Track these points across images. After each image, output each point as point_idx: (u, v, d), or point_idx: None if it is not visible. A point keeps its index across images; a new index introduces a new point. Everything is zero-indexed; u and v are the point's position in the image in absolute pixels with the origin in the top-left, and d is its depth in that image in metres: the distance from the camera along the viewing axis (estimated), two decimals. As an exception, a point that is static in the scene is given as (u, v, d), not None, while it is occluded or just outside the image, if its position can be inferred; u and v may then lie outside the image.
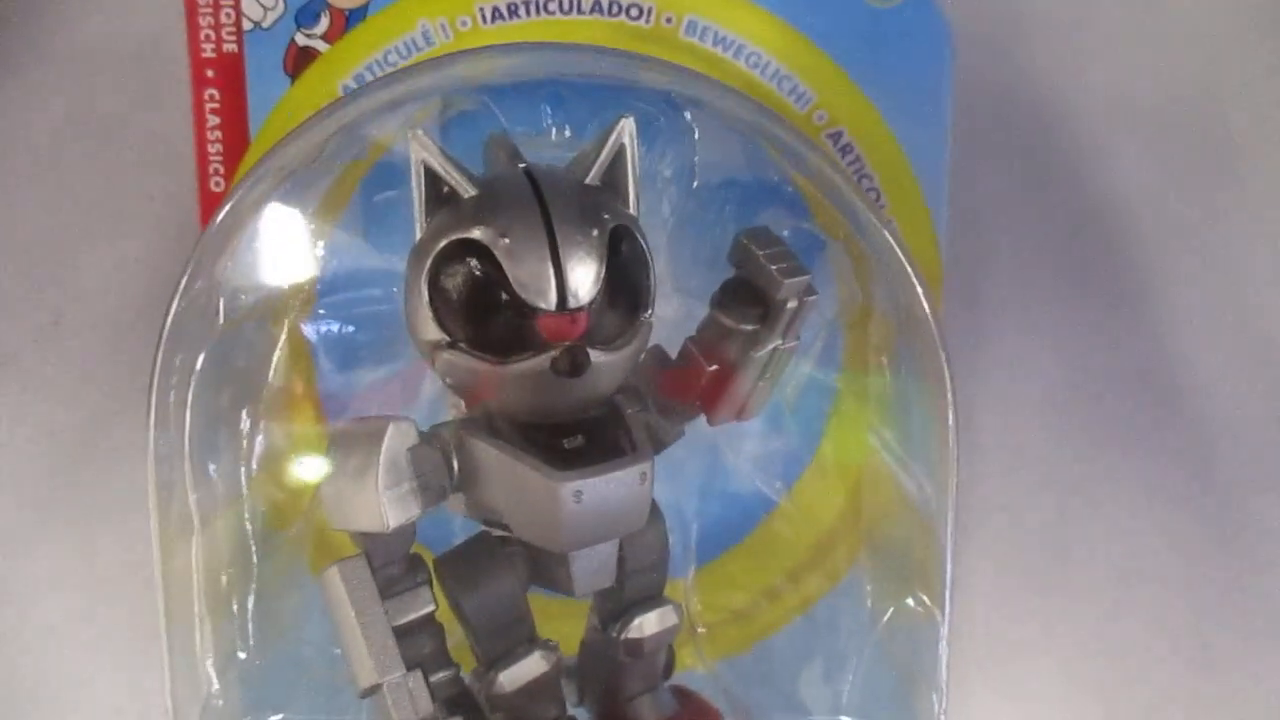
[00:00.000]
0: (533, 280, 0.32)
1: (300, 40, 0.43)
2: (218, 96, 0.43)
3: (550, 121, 0.37)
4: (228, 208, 0.35)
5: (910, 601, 0.36)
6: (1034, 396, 0.49)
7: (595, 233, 0.33)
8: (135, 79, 0.47)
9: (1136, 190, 0.49)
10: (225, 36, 0.43)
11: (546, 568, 0.35)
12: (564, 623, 0.38)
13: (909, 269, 0.36)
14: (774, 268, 0.34)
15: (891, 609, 0.37)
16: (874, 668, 0.37)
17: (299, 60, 0.43)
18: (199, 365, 0.36)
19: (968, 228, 0.48)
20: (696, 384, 0.36)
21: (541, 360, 0.32)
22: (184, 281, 0.35)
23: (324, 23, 0.42)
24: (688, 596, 0.42)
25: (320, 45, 0.43)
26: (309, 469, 0.37)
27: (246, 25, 0.42)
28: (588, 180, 0.34)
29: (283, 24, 0.42)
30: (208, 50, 0.43)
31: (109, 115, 0.47)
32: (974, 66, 0.46)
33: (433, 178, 0.33)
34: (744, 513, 0.42)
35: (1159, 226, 0.49)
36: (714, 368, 0.36)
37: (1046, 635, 0.49)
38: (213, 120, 0.43)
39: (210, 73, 0.43)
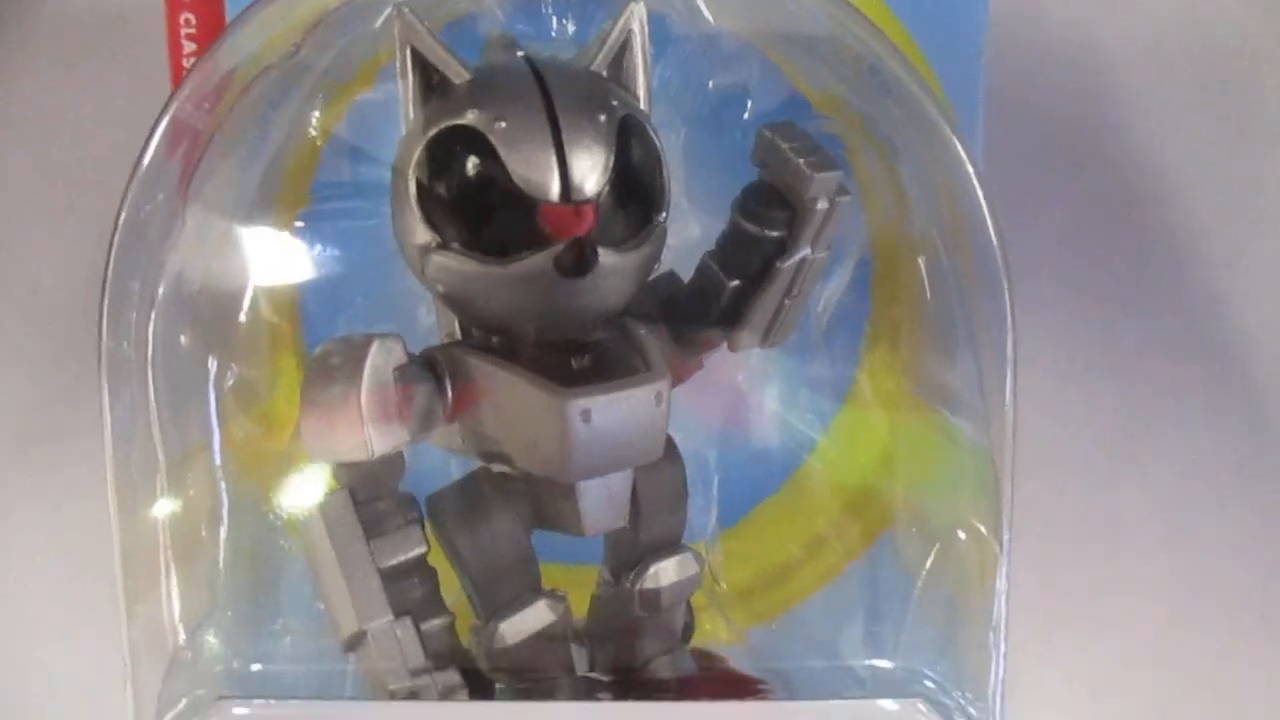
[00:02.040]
0: (533, 169, 0.29)
1: (283, -42, 0.40)
2: (194, 21, 0.40)
3: (551, 10, 0.34)
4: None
5: (961, 534, 0.32)
6: (1075, 356, 0.47)
7: (602, 118, 0.29)
8: (110, 21, 0.45)
9: (1180, 141, 0.47)
10: (201, -44, 0.40)
11: (552, 505, 0.32)
12: (572, 591, 0.34)
13: (973, 176, 0.33)
14: (802, 161, 0.31)
15: (938, 547, 0.33)
16: (918, 616, 0.33)
17: (281, -18, 0.40)
18: (160, 292, 0.33)
19: (1003, 180, 0.45)
20: (716, 303, 0.33)
21: (543, 259, 0.29)
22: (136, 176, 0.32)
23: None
24: (711, 556, 0.38)
25: (304, -37, 0.40)
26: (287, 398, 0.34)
27: (223, -59, 0.39)
28: (593, 67, 0.31)
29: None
30: (182, -29, 0.40)
31: (84, 66, 0.45)
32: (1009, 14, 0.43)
33: (421, 64, 0.30)
34: (776, 460, 0.38)
35: (1204, 177, 0.47)
36: (736, 283, 0.33)
37: (1097, 601, 0.46)
38: (189, 47, 0.40)
39: (185, -6, 0.40)
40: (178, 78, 0.40)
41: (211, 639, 0.33)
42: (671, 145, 0.36)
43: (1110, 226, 0.47)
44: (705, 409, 0.38)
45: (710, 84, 0.36)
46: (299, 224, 0.36)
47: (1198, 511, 0.47)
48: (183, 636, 0.32)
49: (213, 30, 0.40)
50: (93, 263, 0.44)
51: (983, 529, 0.32)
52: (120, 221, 0.32)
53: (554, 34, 0.35)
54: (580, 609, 0.35)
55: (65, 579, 0.44)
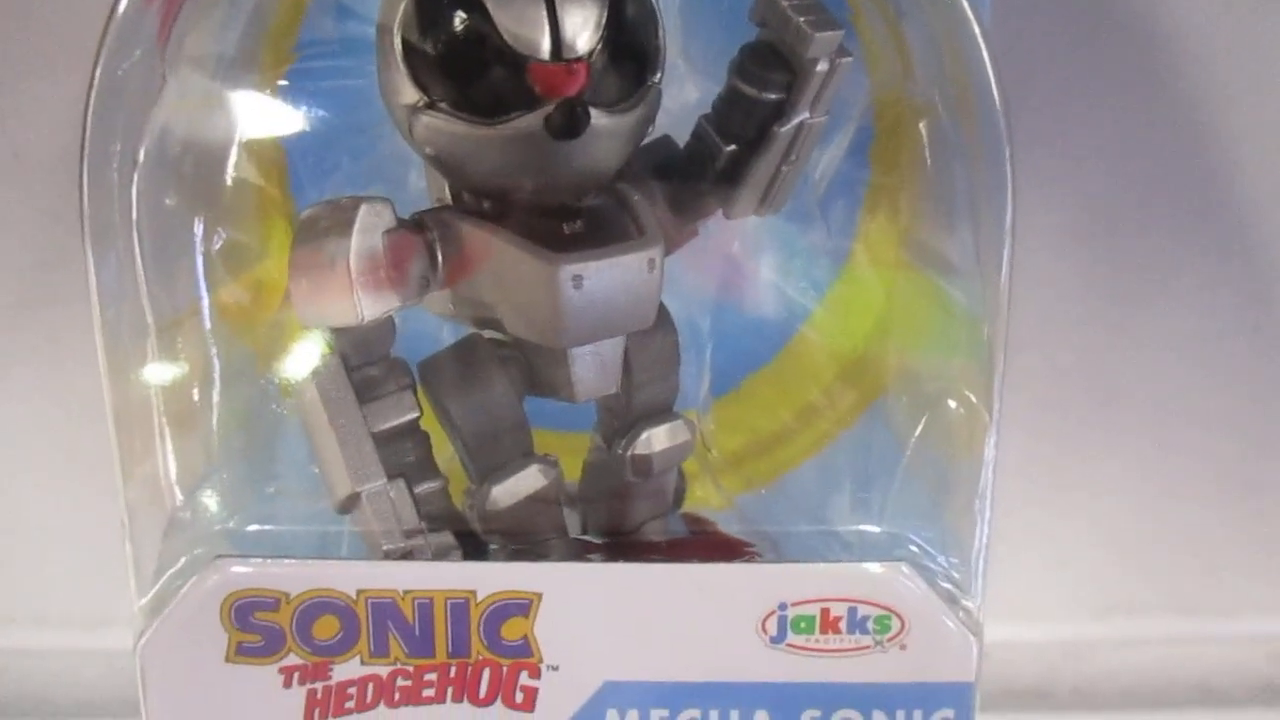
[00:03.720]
0: (523, 25, 0.28)
1: None
2: None
3: None
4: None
5: (952, 403, 0.32)
6: (1073, 225, 0.46)
7: (595, -28, 0.28)
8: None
9: (1190, 9, 0.45)
10: None
11: (544, 371, 0.32)
12: (565, 457, 0.34)
13: (978, 34, 0.31)
14: (802, 20, 0.30)
15: (928, 415, 0.33)
16: (906, 483, 0.34)
17: None
18: (142, 152, 0.32)
19: (1010, 45, 0.44)
20: (712, 167, 0.32)
21: (534, 119, 0.28)
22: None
23: None
24: (703, 424, 0.39)
25: None
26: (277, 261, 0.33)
27: None
28: None
29: None
30: None
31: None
32: None
33: None
34: (770, 329, 0.38)
35: (1218, 43, 0.45)
36: (732, 148, 0.32)
37: (1088, 470, 0.47)
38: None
39: None
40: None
41: (208, 500, 0.33)
42: (668, 3, 0.35)
43: (1117, 93, 0.46)
44: (700, 276, 0.38)
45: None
46: (284, 82, 0.35)
47: (1189, 382, 0.47)
48: (180, 497, 0.32)
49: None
50: (73, 121, 0.44)
51: (973, 398, 0.32)
52: (96, 80, 0.31)
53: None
54: (573, 474, 0.35)
55: (62, 440, 0.45)
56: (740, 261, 0.38)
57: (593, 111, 0.28)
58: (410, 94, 0.29)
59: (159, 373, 0.33)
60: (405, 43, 0.29)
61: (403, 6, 0.29)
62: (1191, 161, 0.46)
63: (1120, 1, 0.45)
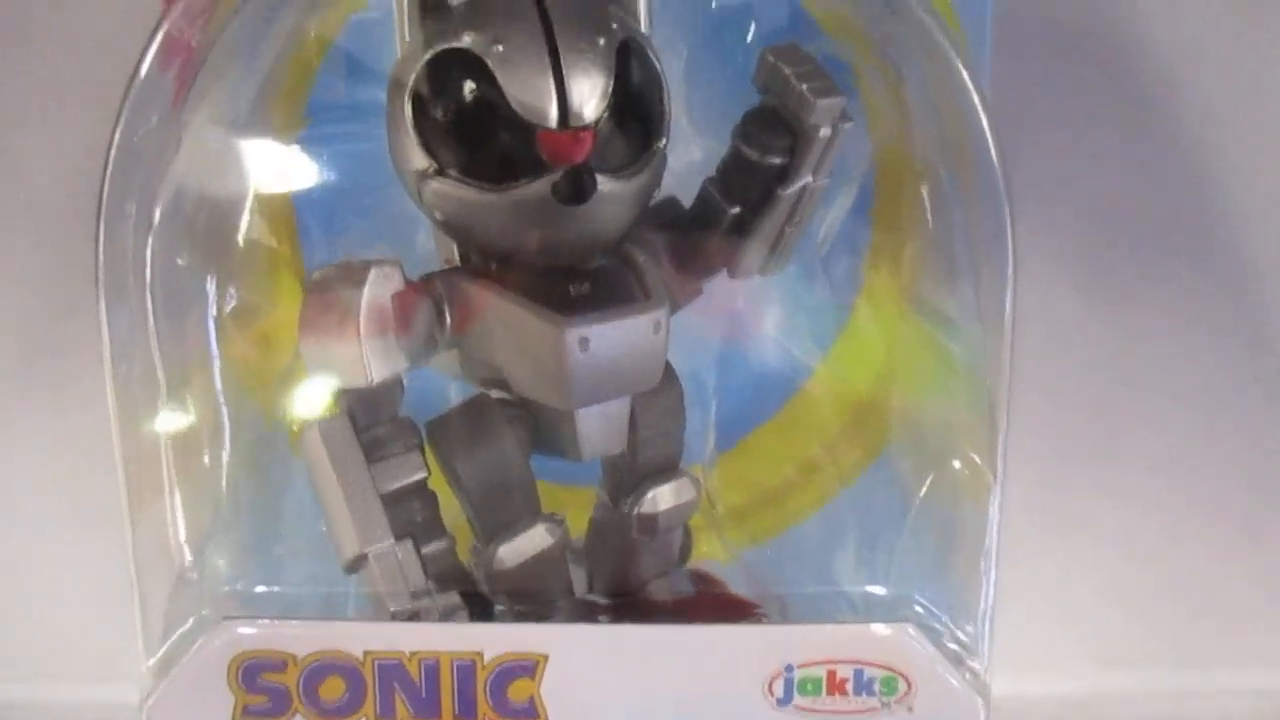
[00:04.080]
0: (531, 94, 0.28)
1: None
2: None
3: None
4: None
5: (957, 464, 0.32)
6: (1075, 271, 0.46)
7: (602, 42, 0.29)
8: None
9: (1188, 56, 0.46)
10: None
11: (550, 430, 0.32)
12: (571, 511, 0.35)
13: (977, 102, 0.32)
14: (805, 86, 0.30)
15: (933, 475, 0.33)
16: (912, 541, 0.34)
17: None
18: (157, 214, 0.32)
19: (1009, 96, 0.44)
20: (716, 230, 0.33)
21: (541, 186, 0.28)
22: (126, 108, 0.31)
23: None
24: (708, 479, 0.39)
25: None
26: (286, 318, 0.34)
27: None
28: None
29: None
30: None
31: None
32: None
33: None
34: (773, 385, 0.38)
35: (1212, 94, 0.46)
36: (735, 210, 0.32)
37: (1093, 520, 0.46)
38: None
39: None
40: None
41: (216, 559, 0.33)
42: (673, 66, 0.35)
43: (1117, 145, 0.46)
44: (705, 331, 0.38)
45: (714, 3, 0.35)
46: (295, 145, 0.35)
47: (1195, 431, 0.47)
48: (188, 556, 0.32)
49: (204, -58, 0.39)
50: (89, 173, 0.44)
51: (977, 458, 0.32)
52: (114, 143, 0.32)
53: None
54: (578, 528, 0.35)
55: (71, 492, 0.45)
56: (745, 316, 0.38)
57: (599, 177, 0.29)
58: (420, 160, 0.29)
59: (169, 430, 0.33)
60: (416, 110, 0.29)
61: (413, 75, 0.29)
62: (1191, 210, 0.46)
63: (1118, 50, 0.46)
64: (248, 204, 0.35)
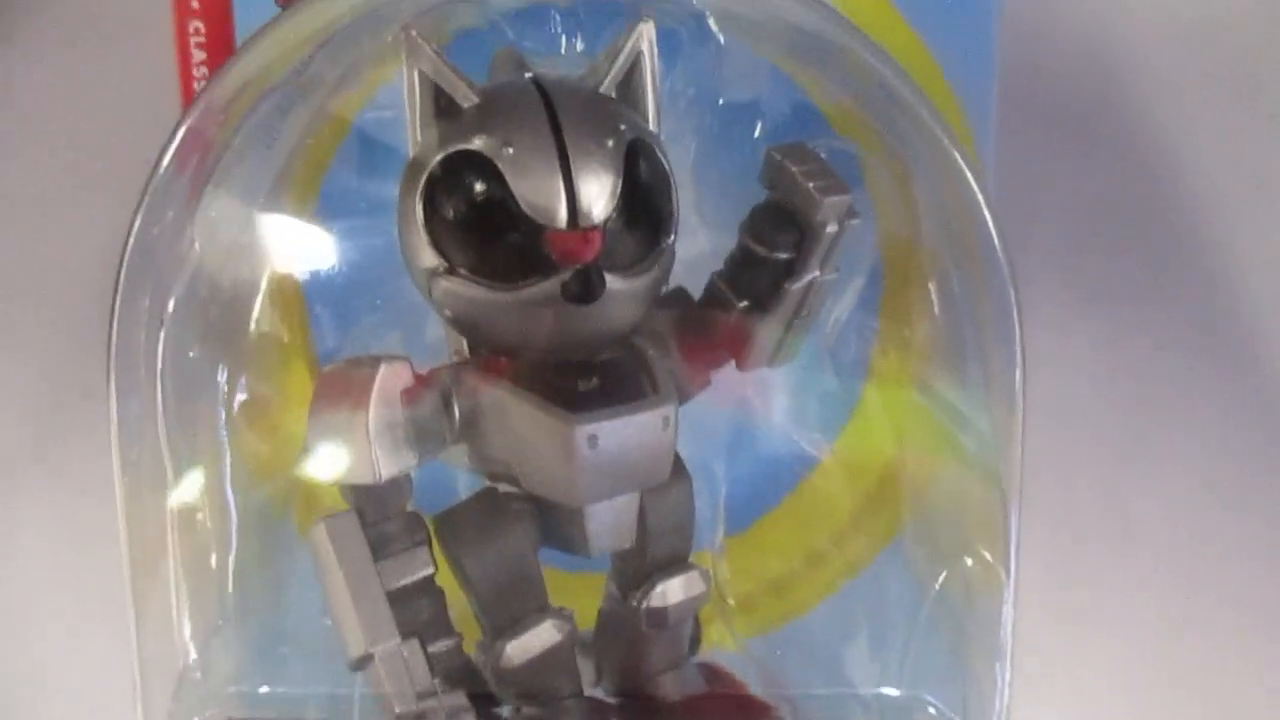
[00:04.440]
0: (540, 195, 0.28)
1: (293, -35, 0.39)
2: (203, 30, 0.40)
3: (560, 30, 0.34)
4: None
5: (969, 561, 0.32)
6: (1083, 356, 0.46)
7: (610, 143, 0.29)
8: (119, 27, 0.45)
9: (1190, 139, 0.46)
10: (211, -39, 0.40)
11: (558, 526, 0.32)
12: (580, 598, 0.34)
13: (979, 195, 0.32)
14: (811, 185, 0.31)
15: (945, 572, 0.33)
16: (926, 638, 0.33)
17: (290, -13, 0.39)
18: (170, 308, 0.33)
19: (1015, 180, 0.45)
20: (724, 323, 0.33)
21: (550, 285, 0.29)
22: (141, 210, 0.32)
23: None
24: (717, 567, 0.39)
25: (314, -30, 0.39)
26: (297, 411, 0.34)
27: (233, -53, 0.39)
28: (601, 89, 0.31)
29: (273, -55, 0.39)
30: (192, -23, 0.40)
31: (93, 71, 0.45)
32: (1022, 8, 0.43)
33: (429, 86, 0.30)
34: (781, 474, 0.38)
35: (1215, 176, 0.46)
36: (744, 304, 0.33)
37: (1107, 607, 0.46)
38: (198, 55, 0.40)
39: (195, 3, 0.40)
40: (186, 84, 0.40)
41: (220, 658, 0.33)
42: (681, 160, 0.36)
43: (1123, 225, 0.47)
44: (714, 418, 0.38)
45: (721, 99, 0.36)
46: (308, 238, 0.36)
47: (1210, 517, 0.47)
48: (192, 654, 0.32)
49: (221, 39, 0.40)
50: (104, 262, 0.45)
51: (989, 555, 0.32)
52: (131, 238, 0.32)
53: (563, 51, 0.34)
54: (587, 616, 0.35)
55: (75, 583, 0.45)
56: (753, 403, 0.38)
57: (608, 276, 0.29)
58: (430, 258, 0.30)
59: (175, 522, 0.33)
60: (426, 209, 0.29)
61: (425, 175, 0.29)
62: (1202, 291, 0.46)
63: (1124, 134, 0.46)
64: (259, 292, 0.35)
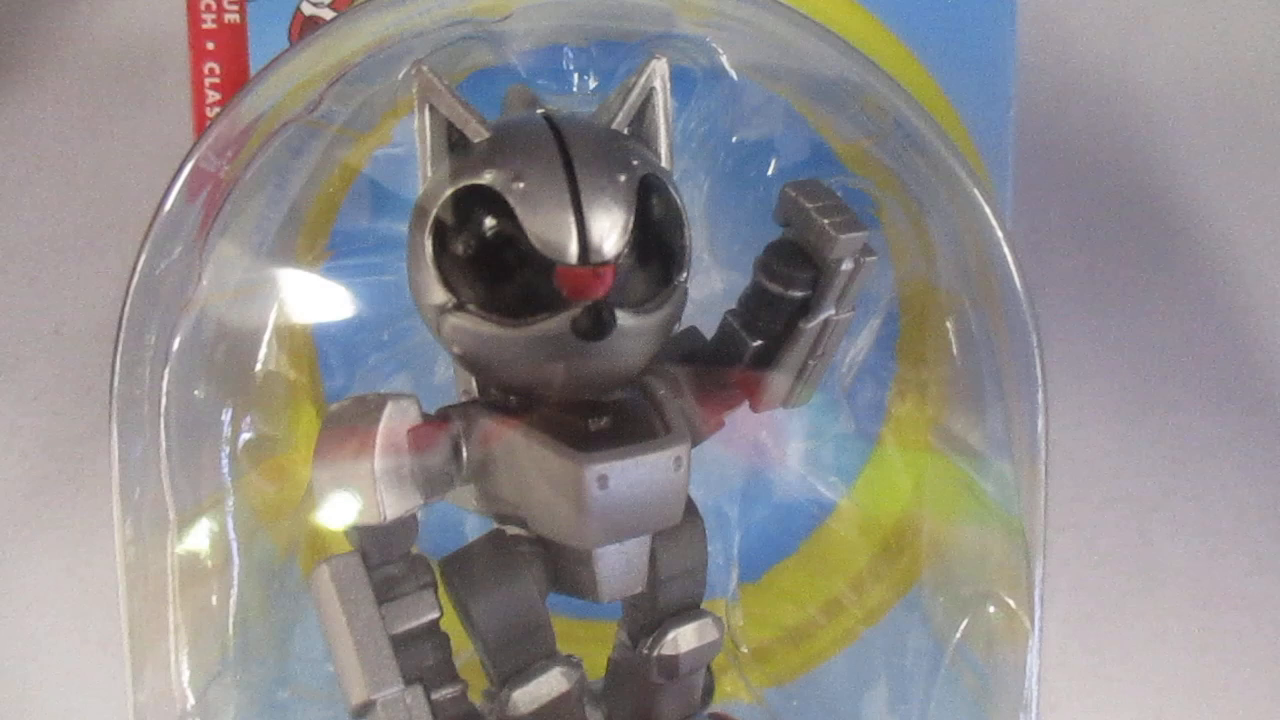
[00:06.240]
0: (551, 230, 0.28)
1: (306, 9, 0.40)
2: (218, 70, 0.40)
3: (572, 68, 0.34)
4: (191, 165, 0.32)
5: (991, 609, 0.31)
6: (1104, 405, 0.46)
7: (623, 178, 0.29)
8: (135, 67, 0.45)
9: (1214, 183, 0.46)
10: (227, 6, 0.40)
11: (568, 570, 0.31)
12: (589, 646, 0.33)
13: (998, 232, 0.32)
14: (826, 221, 0.30)
15: (967, 619, 0.32)
16: (947, 687, 0.32)
17: (305, 30, 0.40)
18: (175, 345, 0.32)
19: (1034, 225, 0.44)
20: (739, 363, 0.32)
21: (560, 321, 0.28)
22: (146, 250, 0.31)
23: (331, -13, 0.40)
24: (731, 615, 0.38)
25: (327, 14, 0.39)
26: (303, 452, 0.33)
27: (248, -9, 0.39)
28: (614, 125, 0.30)
29: (287, -11, 0.39)
30: (208, 21, 0.40)
31: (109, 110, 0.45)
32: (1038, 41, 0.43)
33: (440, 121, 0.30)
34: (796, 519, 0.37)
35: (1238, 216, 0.46)
36: (758, 344, 0.32)
37: (1129, 663, 0.45)
38: (213, 96, 0.40)
39: (210, 44, 0.40)
40: (201, 124, 0.40)
41: (219, 704, 0.32)
42: (695, 198, 0.36)
43: (1145, 271, 0.46)
44: (728, 462, 0.37)
45: (735, 138, 0.35)
46: (317, 276, 0.35)
47: (1234, 565, 0.46)
48: (191, 700, 0.31)
49: (236, 79, 0.40)
50: (113, 299, 0.45)
51: (1012, 602, 0.31)
52: (136, 275, 0.32)
53: (575, 89, 0.34)
54: (597, 665, 0.34)
55: (74, 625, 0.44)
56: (767, 446, 0.37)
57: (619, 312, 0.28)
58: (439, 295, 0.29)
59: (177, 565, 0.32)
60: (436, 245, 0.29)
61: (435, 210, 0.29)
62: (1228, 336, 0.46)
63: (1143, 178, 0.46)
64: (267, 331, 0.35)
